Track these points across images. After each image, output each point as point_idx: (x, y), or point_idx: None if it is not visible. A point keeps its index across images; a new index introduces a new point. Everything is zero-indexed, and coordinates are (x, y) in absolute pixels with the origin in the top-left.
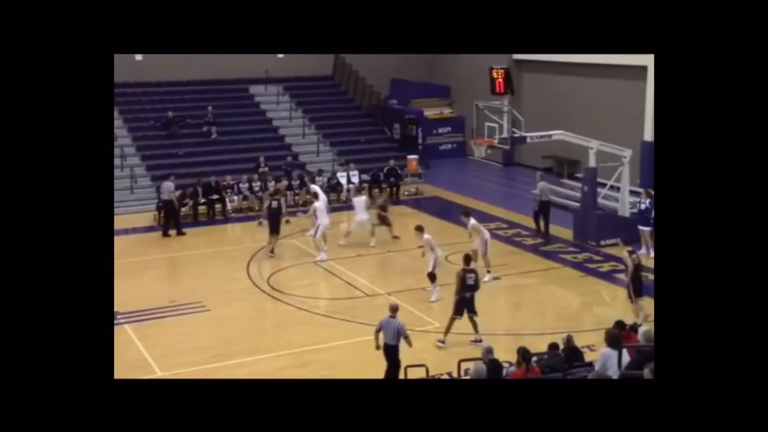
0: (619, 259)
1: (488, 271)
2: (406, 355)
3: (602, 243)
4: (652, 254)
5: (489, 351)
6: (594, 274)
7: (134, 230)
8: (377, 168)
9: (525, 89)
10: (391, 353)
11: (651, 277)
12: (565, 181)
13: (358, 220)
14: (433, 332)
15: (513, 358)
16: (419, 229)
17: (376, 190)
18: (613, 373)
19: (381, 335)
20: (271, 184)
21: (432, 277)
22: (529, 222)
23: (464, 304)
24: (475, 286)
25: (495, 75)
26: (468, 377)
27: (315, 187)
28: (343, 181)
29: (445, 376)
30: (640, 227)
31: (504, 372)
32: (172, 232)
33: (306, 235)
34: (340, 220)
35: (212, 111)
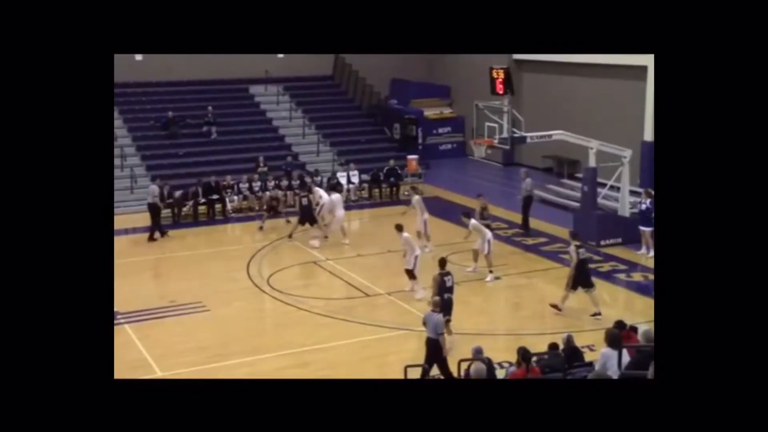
0: (620, 260)
1: (490, 271)
2: (406, 355)
3: (602, 243)
4: (652, 254)
5: (478, 351)
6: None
7: (134, 230)
8: (377, 168)
9: (525, 89)
10: (431, 347)
11: (651, 277)
12: (565, 181)
13: (338, 217)
14: None
15: (513, 358)
16: (399, 228)
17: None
18: (613, 373)
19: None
20: (271, 184)
21: (410, 273)
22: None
23: (445, 306)
24: (452, 288)
25: (495, 75)
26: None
27: (319, 191)
28: (343, 181)
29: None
30: (641, 227)
31: (504, 372)
32: (158, 235)
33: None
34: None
35: (212, 111)
